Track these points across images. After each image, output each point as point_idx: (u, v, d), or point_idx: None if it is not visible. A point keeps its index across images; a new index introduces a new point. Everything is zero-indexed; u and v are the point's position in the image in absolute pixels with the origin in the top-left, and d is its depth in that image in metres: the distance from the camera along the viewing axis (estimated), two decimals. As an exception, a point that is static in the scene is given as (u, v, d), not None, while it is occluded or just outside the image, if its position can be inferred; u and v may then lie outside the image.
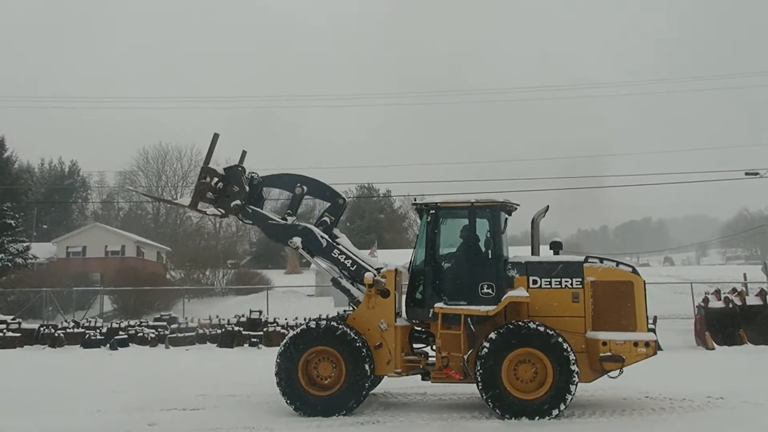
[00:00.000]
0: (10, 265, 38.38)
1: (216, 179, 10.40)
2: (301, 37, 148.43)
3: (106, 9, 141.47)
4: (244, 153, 10.81)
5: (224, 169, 10.48)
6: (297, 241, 10.04)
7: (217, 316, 23.57)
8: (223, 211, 10.60)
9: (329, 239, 10.09)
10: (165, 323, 23.17)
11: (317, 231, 10.10)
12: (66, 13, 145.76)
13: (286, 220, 10.40)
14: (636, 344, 8.97)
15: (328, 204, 10.62)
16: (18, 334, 21.76)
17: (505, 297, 9.10)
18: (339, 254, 10.00)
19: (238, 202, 10.27)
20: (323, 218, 10.47)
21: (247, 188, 10.42)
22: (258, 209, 10.46)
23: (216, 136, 10.21)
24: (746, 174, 25.58)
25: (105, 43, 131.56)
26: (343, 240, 10.35)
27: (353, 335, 9.22)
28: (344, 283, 9.94)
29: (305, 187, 10.50)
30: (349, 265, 9.93)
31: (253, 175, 10.61)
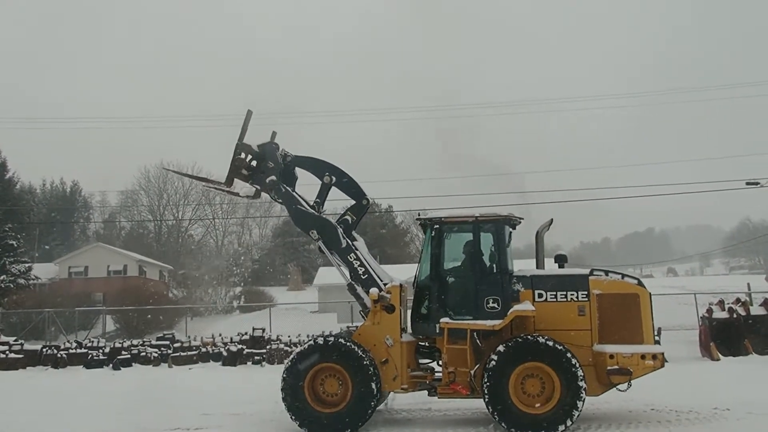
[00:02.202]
0: (12, 286, 38.32)
1: (250, 156, 10.41)
2: (299, 52, 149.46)
3: (107, 24, 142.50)
4: (274, 133, 10.75)
5: (258, 145, 10.43)
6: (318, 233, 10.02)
7: (220, 335, 23.46)
8: (258, 187, 10.55)
9: (349, 241, 10.03)
10: (168, 342, 23.02)
11: (340, 230, 10.03)
12: (66, 29, 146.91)
13: (314, 208, 10.39)
14: (643, 357, 8.95)
15: (353, 202, 10.59)
16: (20, 356, 21.70)
17: (511, 311, 9.08)
18: (354, 259, 9.91)
19: (273, 177, 10.26)
20: (345, 216, 10.46)
21: (282, 165, 10.43)
22: (290, 190, 10.42)
23: (249, 113, 10.23)
24: (747, 183, 25.50)
25: (106, 60, 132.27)
26: (360, 244, 10.29)
27: (360, 353, 9.16)
28: (359, 290, 9.82)
29: (334, 178, 10.49)
30: (360, 273, 9.83)
31: (286, 152, 10.63)
